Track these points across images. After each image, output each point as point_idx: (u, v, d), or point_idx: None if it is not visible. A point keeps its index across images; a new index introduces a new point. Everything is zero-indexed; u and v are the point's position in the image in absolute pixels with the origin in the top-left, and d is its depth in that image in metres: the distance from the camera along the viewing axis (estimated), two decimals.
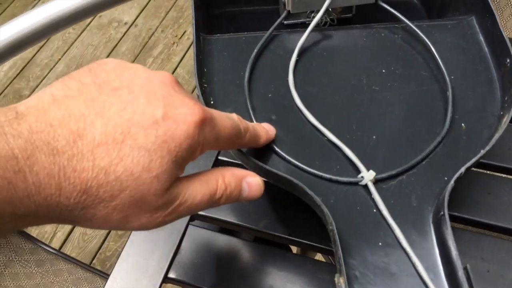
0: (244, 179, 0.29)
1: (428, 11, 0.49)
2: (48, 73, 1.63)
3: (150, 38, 1.71)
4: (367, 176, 0.32)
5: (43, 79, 1.62)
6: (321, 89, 0.38)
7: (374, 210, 0.32)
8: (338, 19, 0.46)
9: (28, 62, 1.67)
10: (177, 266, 0.39)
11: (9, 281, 0.51)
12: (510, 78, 0.35)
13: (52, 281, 0.54)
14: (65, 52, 1.69)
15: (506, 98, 0.35)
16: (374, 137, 0.35)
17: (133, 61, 1.64)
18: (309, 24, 0.44)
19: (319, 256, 0.72)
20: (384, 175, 0.33)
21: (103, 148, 0.22)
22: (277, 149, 0.34)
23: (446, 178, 0.33)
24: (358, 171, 0.33)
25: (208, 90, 0.38)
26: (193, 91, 1.50)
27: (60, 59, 1.67)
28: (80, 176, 0.22)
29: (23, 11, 1.79)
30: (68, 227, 1.30)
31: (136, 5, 1.81)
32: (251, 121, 0.36)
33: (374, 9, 0.43)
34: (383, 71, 0.39)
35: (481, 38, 0.40)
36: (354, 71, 0.39)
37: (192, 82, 1.60)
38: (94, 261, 1.26)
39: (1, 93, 1.60)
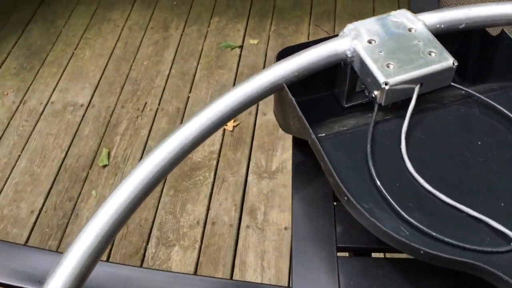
0: None
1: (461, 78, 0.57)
2: (11, 172, 1.55)
3: (111, 116, 1.69)
4: None
5: (7, 180, 1.53)
6: (436, 169, 0.43)
7: None
8: None
9: None
10: None
11: None
12: None
13: None
14: (23, 147, 1.61)
15: None
16: (502, 204, 0.41)
17: (99, 143, 1.61)
18: (366, 103, 0.49)
19: None
20: None
21: None
22: (435, 234, 0.39)
23: None
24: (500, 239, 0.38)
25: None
26: None
27: (20, 155, 1.59)
28: None
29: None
30: None
31: (88, 85, 1.79)
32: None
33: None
34: (479, 143, 0.45)
35: None
36: (456, 147, 0.45)
37: None
38: None
39: None
